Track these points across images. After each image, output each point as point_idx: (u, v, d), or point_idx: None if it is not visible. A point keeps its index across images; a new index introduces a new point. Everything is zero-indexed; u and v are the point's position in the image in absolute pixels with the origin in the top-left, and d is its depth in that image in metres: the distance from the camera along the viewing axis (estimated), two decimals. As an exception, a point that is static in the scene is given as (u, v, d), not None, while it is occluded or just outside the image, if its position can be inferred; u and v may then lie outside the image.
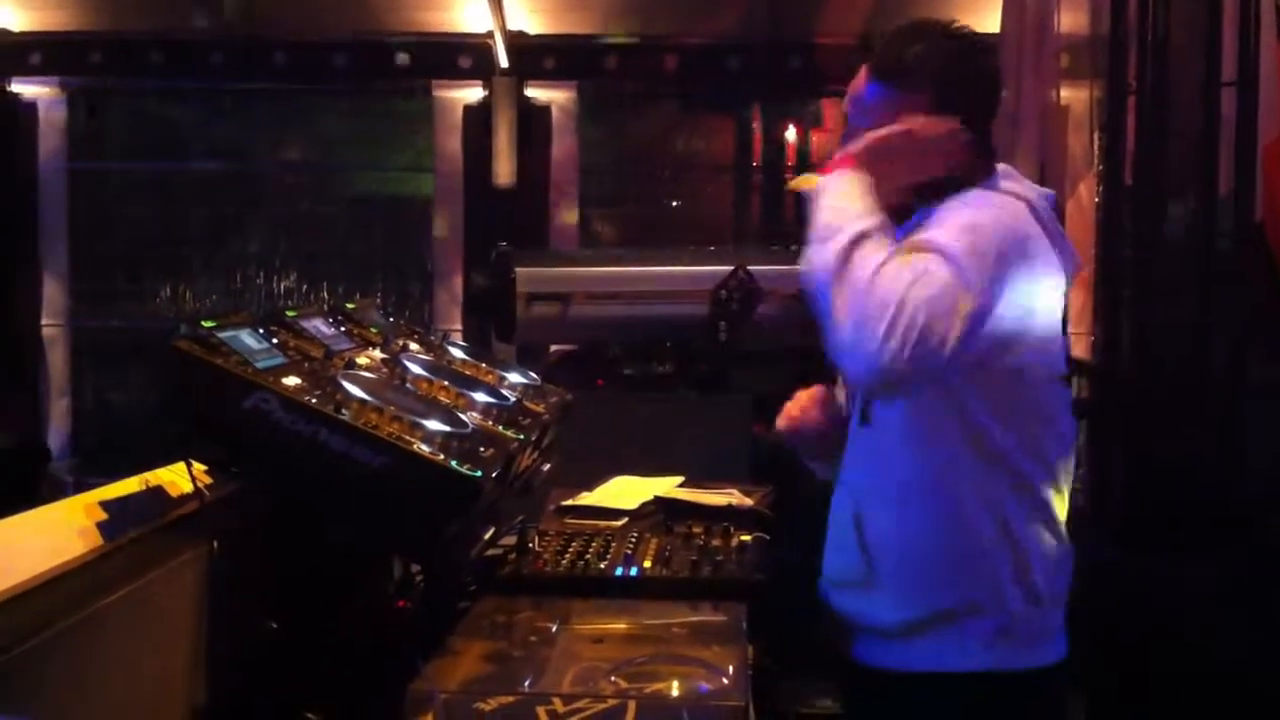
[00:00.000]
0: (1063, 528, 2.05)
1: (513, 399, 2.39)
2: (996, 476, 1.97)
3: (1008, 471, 1.98)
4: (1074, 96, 5.02)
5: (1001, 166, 2.09)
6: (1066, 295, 2.06)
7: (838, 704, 2.09)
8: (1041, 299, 1.95)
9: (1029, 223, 1.95)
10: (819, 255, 1.84)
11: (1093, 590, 2.08)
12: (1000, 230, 1.87)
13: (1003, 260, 1.83)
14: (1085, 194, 5.04)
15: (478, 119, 6.36)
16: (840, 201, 1.89)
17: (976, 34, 2.14)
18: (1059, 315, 2.04)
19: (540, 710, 1.76)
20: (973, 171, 2.02)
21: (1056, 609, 2.04)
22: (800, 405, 2.29)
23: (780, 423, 2.30)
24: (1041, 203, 2.02)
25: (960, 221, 1.86)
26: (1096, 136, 4.78)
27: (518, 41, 6.26)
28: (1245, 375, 4.03)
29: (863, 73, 2.10)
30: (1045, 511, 2.01)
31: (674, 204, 6.92)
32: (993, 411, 1.95)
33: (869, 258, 1.77)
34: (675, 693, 1.82)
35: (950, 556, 1.98)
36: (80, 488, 2.00)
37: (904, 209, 2.02)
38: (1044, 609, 2.01)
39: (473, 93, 6.40)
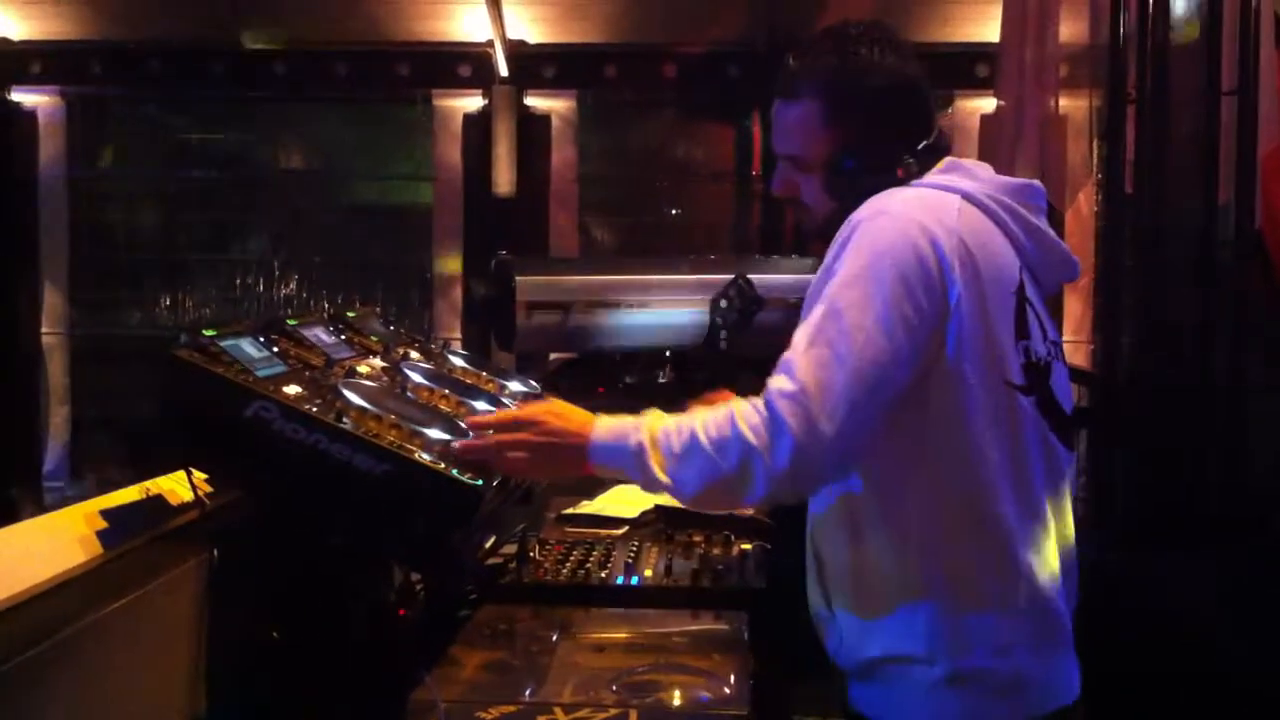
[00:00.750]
0: (1041, 565, 1.86)
1: (513, 407, 2.39)
2: (951, 508, 1.83)
3: (963, 502, 1.83)
4: (1073, 105, 5.02)
5: (947, 161, 1.98)
6: (1025, 293, 1.91)
7: (839, 714, 2.07)
8: (972, 309, 1.81)
9: (944, 215, 1.84)
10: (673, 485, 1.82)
11: (1093, 592, 2.03)
12: (885, 269, 1.77)
13: (892, 311, 1.75)
14: (1085, 203, 5.05)
15: (477, 127, 6.37)
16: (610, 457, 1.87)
17: (882, 35, 2.00)
18: (1005, 314, 1.87)
19: (541, 719, 1.76)
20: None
21: (1035, 655, 1.87)
22: None
23: None
24: (985, 190, 1.91)
25: (825, 306, 1.78)
26: (1096, 145, 4.78)
27: (517, 50, 6.27)
28: (1245, 382, 4.03)
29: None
30: (1012, 549, 1.84)
31: (674, 212, 6.92)
32: (934, 439, 1.82)
33: (682, 450, 1.79)
34: (677, 702, 1.82)
35: (897, 598, 1.86)
36: (80, 497, 2.00)
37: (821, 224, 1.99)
38: (1013, 658, 1.84)
39: (472, 101, 6.41)
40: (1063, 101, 4.86)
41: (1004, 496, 1.84)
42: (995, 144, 5.09)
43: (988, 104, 5.82)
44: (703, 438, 1.79)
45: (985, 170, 2.00)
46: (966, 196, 1.89)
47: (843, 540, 1.93)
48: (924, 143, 1.98)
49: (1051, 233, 1.99)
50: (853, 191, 1.94)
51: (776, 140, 2.05)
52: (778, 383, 1.77)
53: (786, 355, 1.79)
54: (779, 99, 2.04)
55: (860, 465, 1.86)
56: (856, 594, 1.92)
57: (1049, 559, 1.89)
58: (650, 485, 1.84)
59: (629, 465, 1.84)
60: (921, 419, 1.82)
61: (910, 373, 1.78)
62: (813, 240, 2.10)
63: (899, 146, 1.97)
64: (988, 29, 5.50)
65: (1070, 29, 4.72)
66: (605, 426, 1.88)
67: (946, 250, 1.80)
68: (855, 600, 1.92)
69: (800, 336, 1.79)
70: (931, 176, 1.95)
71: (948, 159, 2.00)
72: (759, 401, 1.78)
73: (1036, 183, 2.01)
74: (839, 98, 1.97)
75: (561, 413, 1.94)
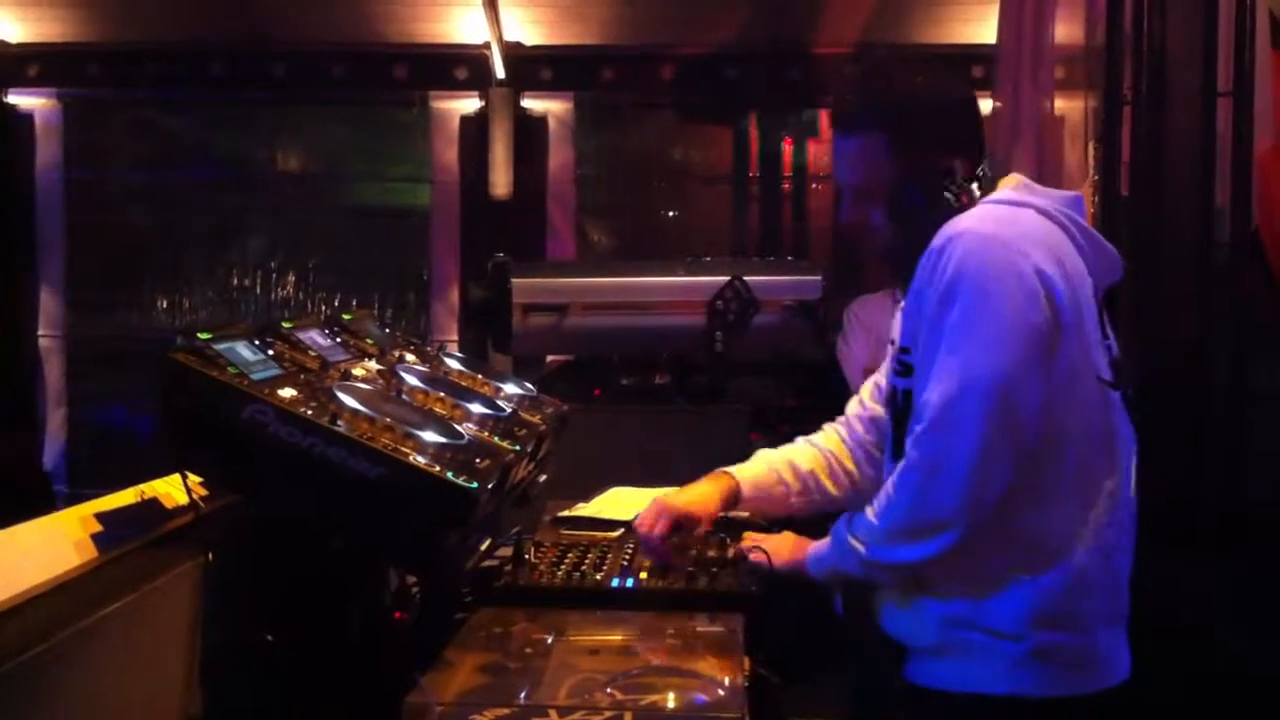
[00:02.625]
0: (1122, 548, 2.03)
1: (509, 410, 2.39)
2: (1031, 500, 1.95)
3: (1067, 491, 1.97)
4: (1070, 107, 5.02)
5: (1012, 179, 2.09)
6: (1101, 297, 2.07)
7: (834, 716, 2.08)
8: (1062, 302, 1.93)
9: (1032, 233, 1.96)
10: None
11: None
12: (1005, 300, 1.89)
13: (1021, 353, 1.88)
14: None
15: (474, 130, 6.37)
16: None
17: (919, 57, 2.16)
18: (1094, 318, 2.03)
19: (536, 722, 1.76)
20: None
21: (1095, 634, 2.01)
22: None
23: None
24: (1053, 205, 2.03)
25: (962, 350, 1.89)
26: (1092, 147, 4.79)
27: (514, 52, 6.27)
28: (1245, 382, 4.03)
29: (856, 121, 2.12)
30: (1102, 533, 1.98)
31: (671, 214, 6.93)
32: (1046, 437, 1.95)
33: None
34: (672, 704, 1.81)
35: (986, 570, 1.97)
36: (76, 499, 2.00)
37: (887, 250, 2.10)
38: (1078, 634, 1.98)
39: (469, 103, 6.42)
40: (1059, 103, 4.86)
41: (1102, 485, 2.00)
42: (992, 145, 5.09)
43: (984, 105, 5.81)
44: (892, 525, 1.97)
45: (1040, 188, 2.09)
46: (1040, 211, 2.01)
47: None
48: (981, 165, 2.09)
49: (1100, 237, 2.10)
50: (920, 216, 2.04)
51: (840, 172, 2.15)
52: (918, 428, 1.92)
53: (932, 402, 1.91)
54: (838, 131, 2.13)
55: None
56: (949, 577, 2.00)
57: (1128, 542, 2.06)
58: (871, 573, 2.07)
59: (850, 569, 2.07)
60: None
61: (1045, 388, 1.90)
62: (882, 266, 2.21)
63: (958, 167, 2.06)
64: (983, 30, 5.50)
65: (1066, 30, 4.73)
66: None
67: (1048, 268, 1.92)
68: (942, 582, 2.01)
69: (944, 382, 1.90)
70: (1002, 193, 2.05)
71: (1012, 176, 2.10)
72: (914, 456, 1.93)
73: (1077, 193, 2.14)
74: (903, 127, 2.06)
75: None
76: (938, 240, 1.95)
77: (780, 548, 2.25)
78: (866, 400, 2.41)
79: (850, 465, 2.41)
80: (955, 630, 2.00)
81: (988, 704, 1.98)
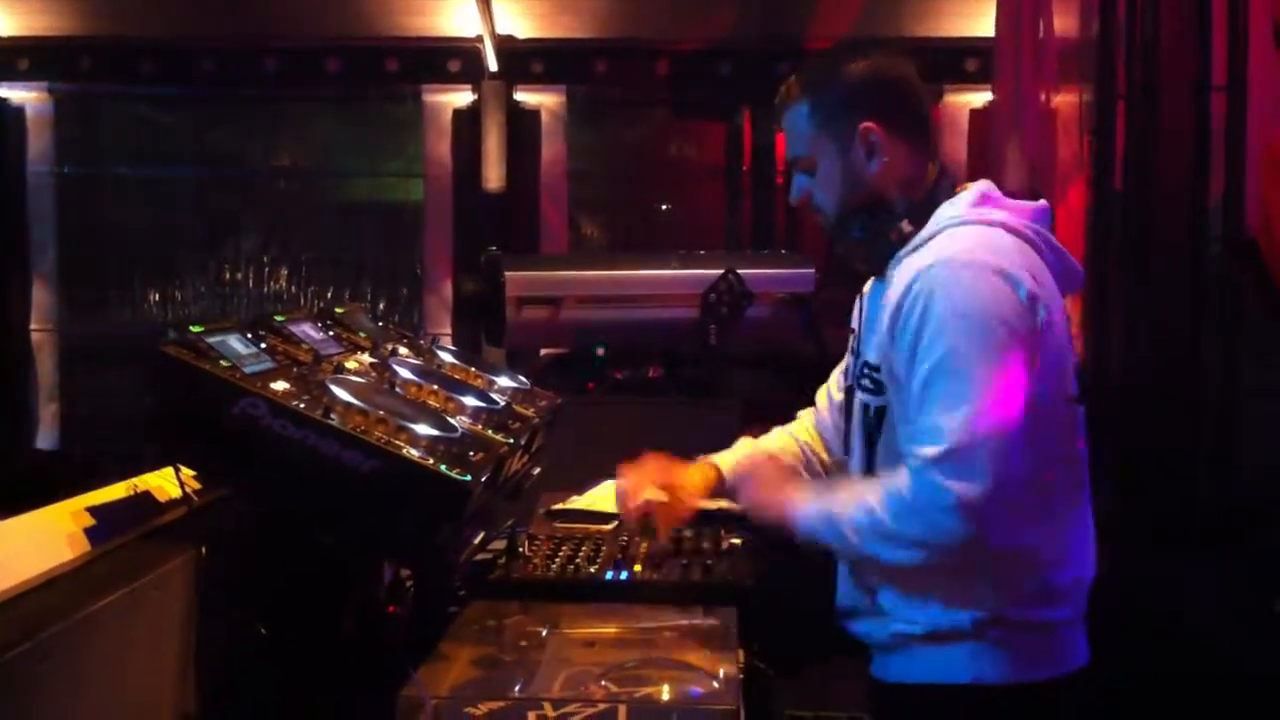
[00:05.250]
0: (1085, 553, 2.04)
1: (502, 403, 2.39)
2: (1022, 507, 1.91)
3: (1031, 502, 1.93)
4: (1064, 101, 5.02)
5: (975, 188, 2.04)
6: (1066, 309, 2.03)
7: (828, 708, 2.08)
8: (1040, 321, 1.91)
9: (1007, 254, 1.92)
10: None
11: (1091, 595, 2.06)
12: (986, 318, 1.86)
13: (1005, 355, 1.85)
14: (1076, 198, 5.05)
15: (467, 123, 6.36)
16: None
17: (883, 47, 2.11)
18: (1066, 334, 1.99)
19: (531, 714, 1.75)
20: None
21: (1069, 617, 2.02)
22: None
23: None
24: (1020, 221, 1.99)
25: (946, 370, 1.86)
26: (1086, 141, 4.79)
27: (507, 45, 6.26)
28: (1238, 379, 4.04)
29: (791, 94, 2.09)
30: (1050, 529, 1.97)
31: (664, 208, 6.92)
32: None
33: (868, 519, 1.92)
34: (666, 696, 1.81)
35: (951, 574, 1.95)
36: (69, 493, 1.99)
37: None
38: (1053, 632, 1.99)
39: (462, 97, 6.40)
40: (1054, 97, 4.87)
41: (1061, 497, 1.99)
42: (987, 138, 5.09)
43: (977, 98, 5.83)
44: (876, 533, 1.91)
45: (1006, 200, 2.05)
46: (1006, 228, 1.97)
47: None
48: (925, 141, 2.07)
49: (1064, 250, 2.06)
50: (848, 190, 2.05)
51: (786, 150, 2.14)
52: (926, 451, 1.85)
53: (925, 423, 1.88)
54: (778, 111, 2.12)
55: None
56: (912, 580, 1.99)
57: (1089, 546, 2.05)
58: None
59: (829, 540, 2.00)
60: None
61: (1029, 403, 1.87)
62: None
63: (877, 134, 2.03)
64: (977, 23, 5.51)
65: (1062, 24, 4.73)
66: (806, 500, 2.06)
67: (1026, 286, 1.89)
68: (908, 584, 2.00)
69: (935, 407, 1.87)
70: (968, 211, 2.00)
71: (976, 184, 2.05)
72: (905, 479, 1.89)
73: (1044, 202, 2.08)
74: (821, 94, 2.05)
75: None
76: (907, 274, 1.92)
77: (764, 494, 2.17)
78: (834, 390, 2.39)
79: (825, 455, 2.40)
80: (914, 628, 2.00)
81: (950, 693, 1.98)
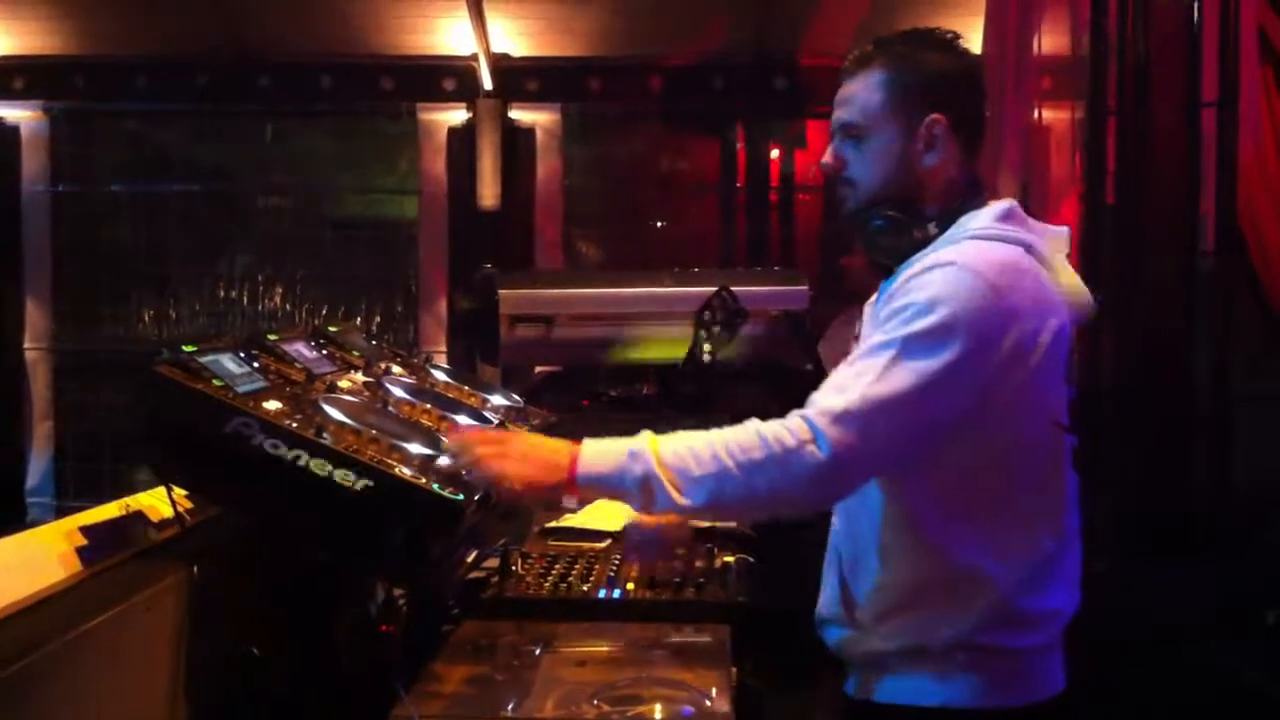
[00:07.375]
0: (1067, 582, 1.99)
1: (496, 421, 2.39)
2: (976, 535, 1.91)
3: (987, 518, 1.92)
4: (1056, 117, 5.04)
5: (1003, 204, 2.00)
6: (1072, 337, 1.99)
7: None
8: (1035, 353, 1.87)
9: (1021, 272, 1.89)
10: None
11: (1087, 601, 2.05)
12: (963, 329, 1.81)
13: (960, 370, 1.80)
14: (1069, 213, 5.07)
15: (462, 141, 6.38)
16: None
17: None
18: (1061, 361, 1.94)
19: (523, 734, 1.76)
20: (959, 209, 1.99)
21: (1041, 644, 1.97)
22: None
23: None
24: (1040, 242, 1.97)
25: (894, 349, 1.81)
26: (1078, 157, 4.81)
27: (501, 64, 6.28)
28: (1230, 388, 4.05)
29: (869, 61, 2.04)
30: (1020, 557, 1.93)
31: (658, 224, 6.93)
32: (973, 468, 1.90)
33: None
34: (659, 715, 1.81)
35: (921, 595, 1.93)
36: (61, 512, 1.99)
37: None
38: (1027, 659, 1.96)
39: (457, 115, 6.43)
40: (1046, 113, 4.89)
41: (1039, 526, 1.94)
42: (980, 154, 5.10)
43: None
44: (727, 459, 1.80)
45: (1031, 220, 2.02)
46: (1030, 249, 1.94)
47: (869, 544, 1.98)
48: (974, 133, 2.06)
49: (1078, 277, 2.05)
50: (892, 172, 1.99)
51: (836, 117, 2.06)
52: (827, 401, 1.81)
53: (839, 378, 1.84)
54: (846, 77, 2.06)
55: (905, 483, 1.92)
56: (879, 590, 1.97)
57: (1072, 574, 2.00)
58: (653, 507, 1.84)
59: (628, 486, 1.84)
60: (975, 452, 1.88)
61: (959, 419, 1.84)
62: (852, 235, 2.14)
63: (941, 128, 2.00)
64: (969, 41, 5.51)
65: (1052, 41, 4.75)
66: (595, 444, 1.89)
67: (1021, 308, 1.85)
68: (887, 599, 1.96)
69: (859, 367, 1.83)
70: (992, 225, 1.96)
71: (1003, 202, 2.01)
72: (793, 419, 1.81)
73: (1066, 227, 2.07)
74: (903, 67, 2.02)
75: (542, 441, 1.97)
76: (923, 262, 1.90)
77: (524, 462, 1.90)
78: None
79: None
80: (888, 644, 1.97)
81: (919, 716, 1.95)
